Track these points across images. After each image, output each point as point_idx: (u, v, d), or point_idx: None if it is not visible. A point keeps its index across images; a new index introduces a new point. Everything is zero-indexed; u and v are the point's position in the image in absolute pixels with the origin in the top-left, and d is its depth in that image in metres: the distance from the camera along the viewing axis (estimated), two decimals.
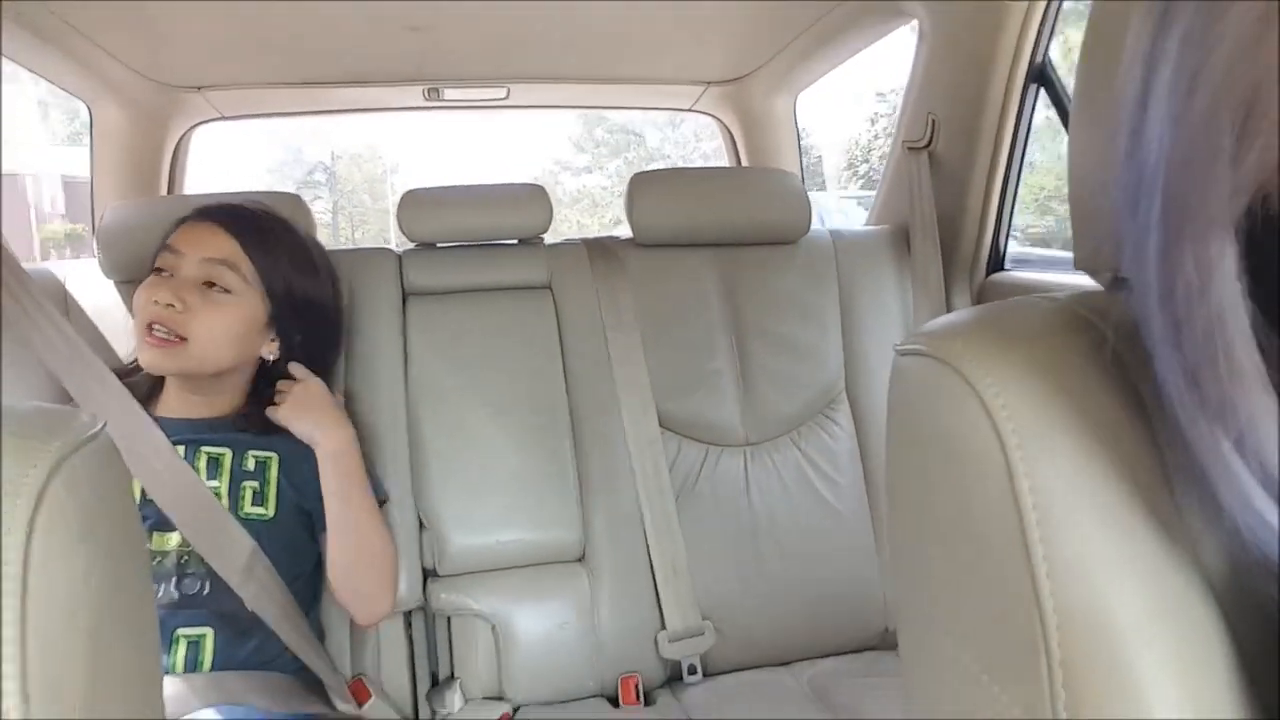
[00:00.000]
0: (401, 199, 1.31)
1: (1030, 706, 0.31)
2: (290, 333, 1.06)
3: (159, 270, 1.00)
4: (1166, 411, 0.30)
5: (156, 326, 0.96)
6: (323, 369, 1.10)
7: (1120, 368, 0.33)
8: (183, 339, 0.97)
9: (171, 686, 0.90)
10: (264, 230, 1.05)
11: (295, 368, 1.06)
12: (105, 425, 0.36)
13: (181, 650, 0.93)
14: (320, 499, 1.03)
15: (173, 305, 0.96)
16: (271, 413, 1.03)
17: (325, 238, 1.42)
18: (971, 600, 0.35)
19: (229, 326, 1.00)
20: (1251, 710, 0.30)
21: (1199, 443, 0.28)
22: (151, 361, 0.98)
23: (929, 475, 0.37)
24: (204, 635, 0.94)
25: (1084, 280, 0.43)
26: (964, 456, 0.34)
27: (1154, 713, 0.29)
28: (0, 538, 0.29)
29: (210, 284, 1.00)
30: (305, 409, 1.03)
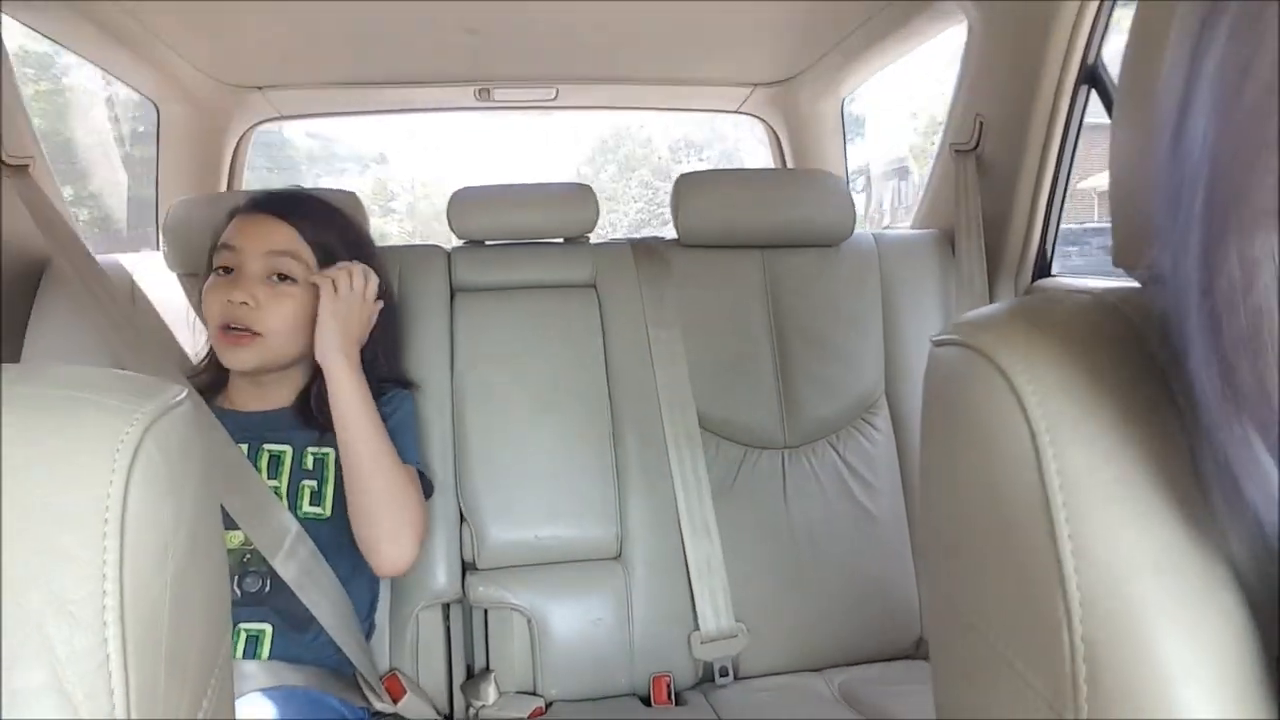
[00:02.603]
0: (452, 197, 1.33)
1: (1053, 686, 0.32)
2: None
3: (224, 269, 1.02)
4: (1197, 407, 0.30)
5: (232, 325, 0.99)
6: (375, 359, 1.08)
7: (1151, 359, 0.34)
8: (257, 334, 0.99)
9: None
10: (319, 216, 1.06)
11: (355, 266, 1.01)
12: (189, 393, 0.40)
13: (241, 642, 0.97)
14: None
15: (246, 303, 0.98)
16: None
17: None
18: (998, 583, 0.35)
19: (299, 315, 1.01)
20: (1273, 700, 0.30)
21: (1229, 440, 0.28)
22: (233, 360, 1.01)
23: (960, 460, 0.38)
24: (263, 631, 0.98)
25: (1129, 286, 0.43)
26: (995, 442, 0.35)
27: (1174, 693, 0.30)
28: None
29: (277, 275, 1.01)
30: (340, 317, 0.98)
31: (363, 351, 1.06)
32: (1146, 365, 0.33)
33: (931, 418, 0.41)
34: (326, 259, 1.04)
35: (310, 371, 1.07)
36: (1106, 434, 0.32)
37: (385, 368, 1.11)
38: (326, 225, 1.06)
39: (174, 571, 0.35)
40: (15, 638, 0.30)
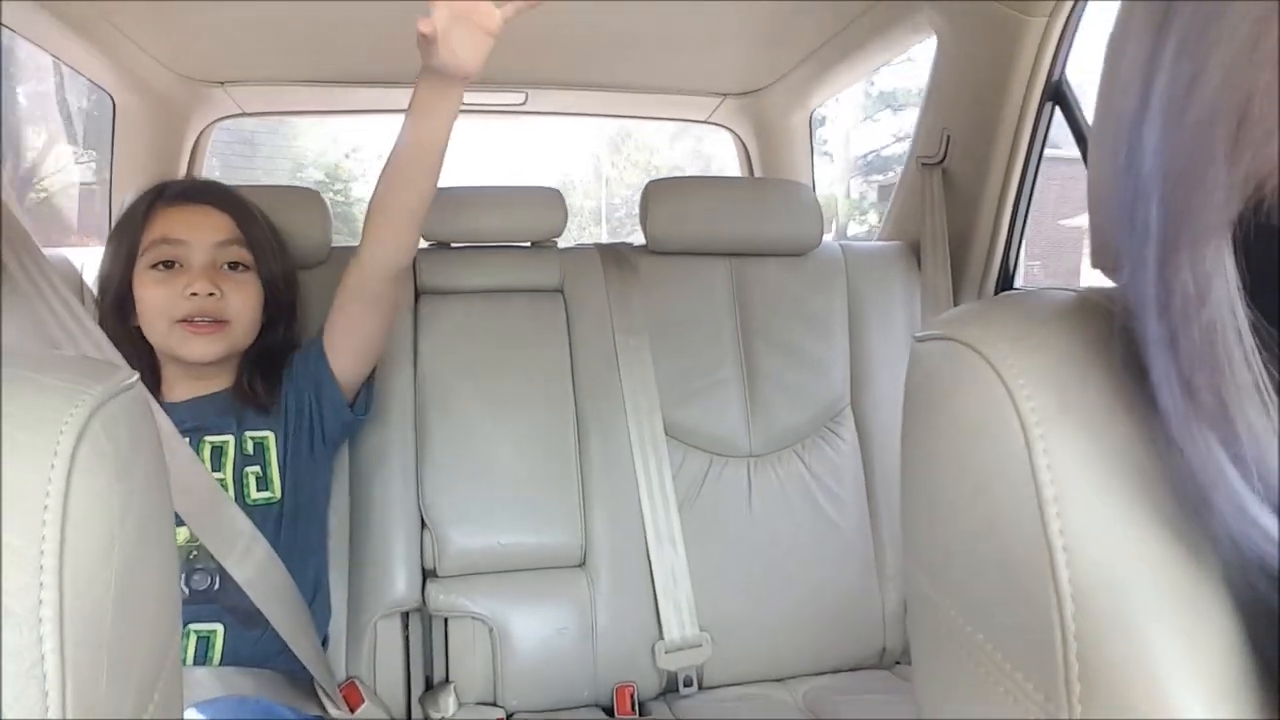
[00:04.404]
0: None
1: (1044, 683, 0.32)
2: (278, 301, 1.06)
3: (165, 264, 0.98)
4: (1162, 418, 0.30)
5: (198, 317, 0.97)
6: (290, 339, 1.09)
7: (1136, 353, 0.33)
8: (224, 322, 0.98)
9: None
10: (245, 207, 1.05)
11: None
12: (139, 377, 0.38)
13: (192, 644, 0.94)
14: (305, 398, 1.03)
15: (213, 294, 0.97)
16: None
17: None
18: (986, 579, 0.35)
19: (257, 300, 1.02)
20: (1259, 694, 0.30)
21: (1194, 451, 0.28)
22: (202, 351, 0.98)
23: (945, 455, 0.37)
24: (214, 631, 0.95)
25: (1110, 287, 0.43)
26: (983, 436, 0.34)
27: (1167, 691, 0.29)
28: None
29: (227, 264, 1.00)
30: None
31: (275, 330, 1.06)
32: (1132, 359, 0.33)
33: (914, 413, 0.40)
34: (257, 250, 1.03)
35: (248, 354, 1.05)
36: (1097, 427, 0.32)
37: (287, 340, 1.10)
38: (252, 216, 1.04)
39: (120, 566, 0.33)
40: None
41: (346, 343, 1.03)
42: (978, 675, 0.35)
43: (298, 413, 1.05)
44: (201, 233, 0.99)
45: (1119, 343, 0.33)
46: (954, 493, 0.36)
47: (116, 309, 1.01)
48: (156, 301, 0.97)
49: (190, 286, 0.96)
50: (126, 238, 1.01)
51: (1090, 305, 0.36)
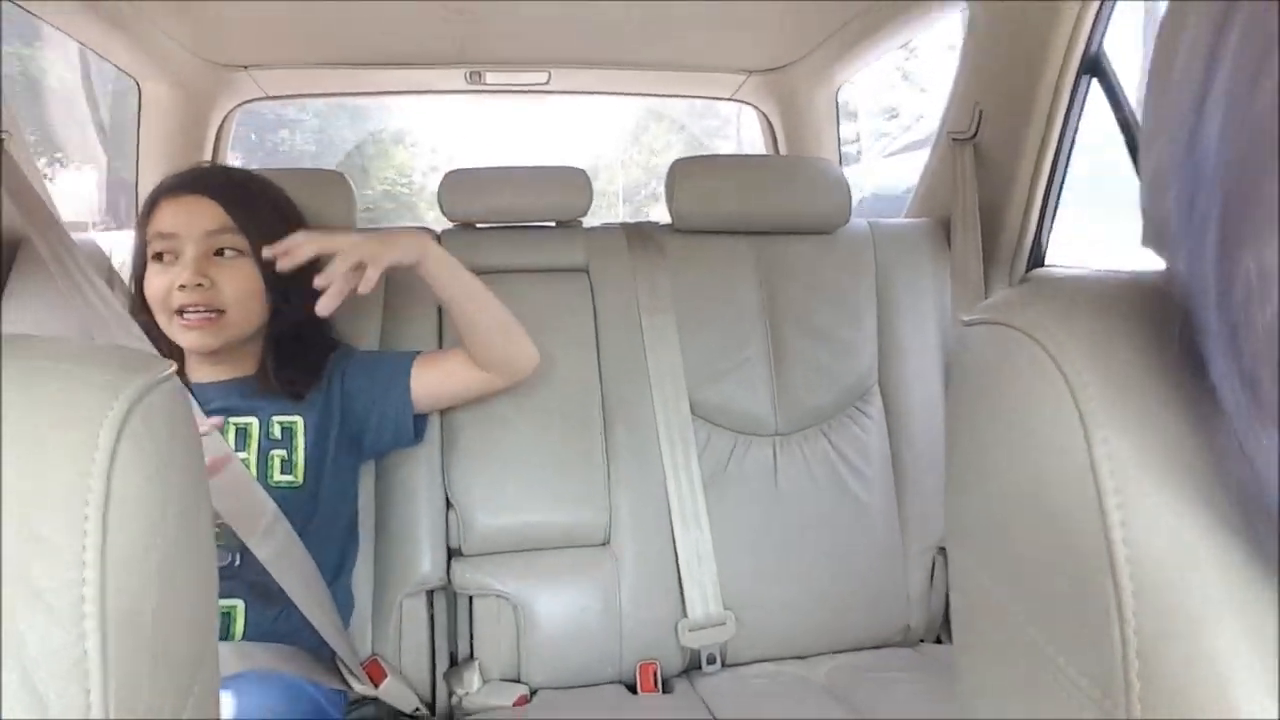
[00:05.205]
0: (443, 179, 1.31)
1: (1102, 684, 0.31)
2: (282, 285, 1.02)
3: (158, 257, 0.99)
4: (1222, 413, 0.28)
5: (190, 309, 0.97)
6: (316, 328, 1.08)
7: (1196, 341, 0.32)
8: (220, 312, 0.98)
9: None
10: (244, 190, 1.04)
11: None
12: (176, 368, 0.37)
13: None
14: (367, 414, 1.07)
15: (201, 284, 0.96)
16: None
17: None
18: (1041, 574, 0.34)
19: (254, 285, 1.00)
20: None
21: (1257, 450, 0.27)
22: (196, 342, 0.98)
23: (997, 446, 0.36)
24: (235, 607, 0.96)
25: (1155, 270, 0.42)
26: (1039, 425, 0.33)
27: (1231, 692, 0.28)
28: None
29: (220, 251, 0.99)
30: (372, 247, 0.99)
31: (286, 313, 1.04)
32: (1193, 347, 0.32)
33: (963, 400, 0.39)
34: (257, 232, 1.00)
35: (267, 341, 1.05)
36: (1158, 419, 0.30)
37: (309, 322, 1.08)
38: (251, 198, 1.03)
39: (159, 562, 0.33)
40: None
41: (435, 391, 1.10)
42: (1030, 669, 0.34)
43: (344, 411, 1.05)
44: (191, 223, 0.99)
45: (1177, 330, 0.32)
46: (1006, 484, 0.35)
47: (141, 302, 1.03)
48: (155, 294, 0.99)
49: (179, 279, 0.96)
50: (140, 233, 1.02)
51: (1145, 289, 0.34)
